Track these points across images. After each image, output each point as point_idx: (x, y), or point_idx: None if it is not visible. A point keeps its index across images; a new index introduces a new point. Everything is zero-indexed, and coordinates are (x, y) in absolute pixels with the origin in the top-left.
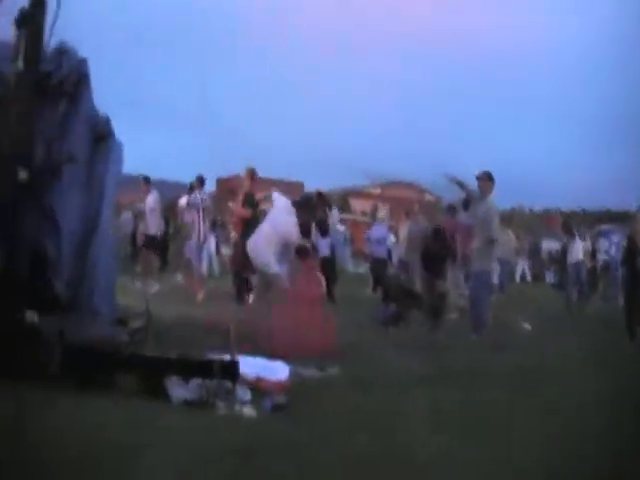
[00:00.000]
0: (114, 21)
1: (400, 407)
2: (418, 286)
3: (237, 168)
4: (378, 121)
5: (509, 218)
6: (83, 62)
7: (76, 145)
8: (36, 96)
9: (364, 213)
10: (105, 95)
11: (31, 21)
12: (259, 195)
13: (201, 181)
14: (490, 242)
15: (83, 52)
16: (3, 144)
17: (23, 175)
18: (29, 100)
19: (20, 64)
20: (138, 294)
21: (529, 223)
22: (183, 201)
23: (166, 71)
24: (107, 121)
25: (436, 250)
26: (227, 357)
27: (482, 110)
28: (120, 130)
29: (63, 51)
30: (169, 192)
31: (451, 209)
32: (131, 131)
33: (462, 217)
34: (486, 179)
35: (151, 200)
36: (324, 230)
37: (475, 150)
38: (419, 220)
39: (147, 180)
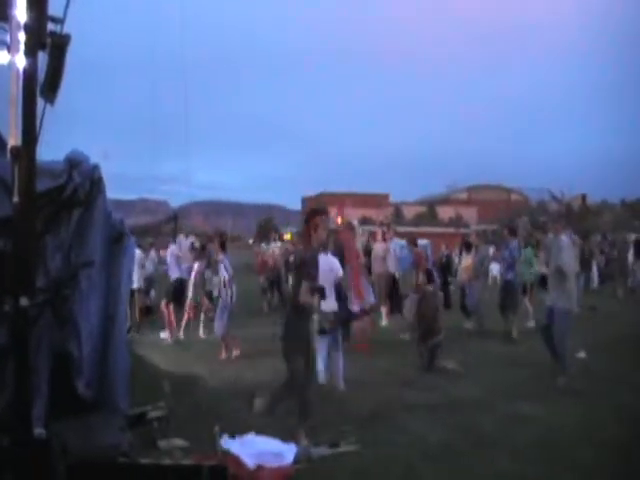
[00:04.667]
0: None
1: None
2: None
3: (322, 186)
4: (461, 126)
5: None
6: (95, 168)
7: (92, 250)
8: (47, 213)
9: (451, 220)
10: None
11: (24, 156)
12: None
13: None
14: (560, 272)
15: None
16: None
17: (24, 302)
18: (29, 230)
19: (15, 198)
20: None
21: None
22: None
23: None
24: (121, 222)
25: None
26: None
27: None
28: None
29: (74, 164)
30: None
31: None
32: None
33: None
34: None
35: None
36: None
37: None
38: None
39: None
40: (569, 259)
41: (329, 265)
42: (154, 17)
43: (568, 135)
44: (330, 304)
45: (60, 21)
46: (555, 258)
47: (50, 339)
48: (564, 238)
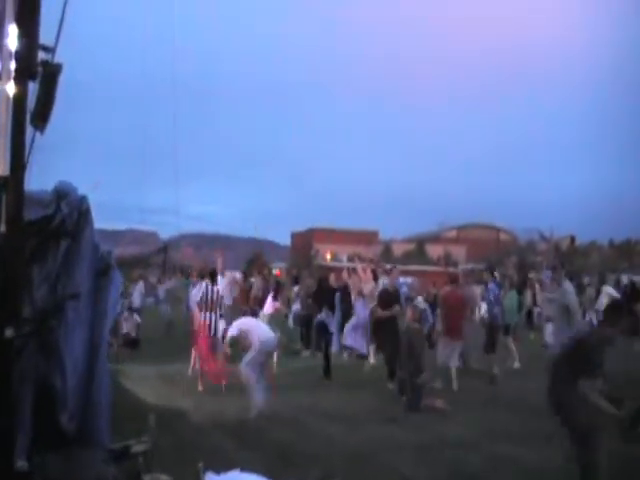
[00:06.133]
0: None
1: None
2: None
3: (311, 221)
4: (452, 165)
5: None
6: (84, 199)
7: (79, 282)
8: (35, 243)
9: (440, 258)
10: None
11: (11, 185)
12: None
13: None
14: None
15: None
16: None
17: (9, 333)
18: (16, 260)
19: (2, 227)
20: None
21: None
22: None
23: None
24: (109, 254)
25: None
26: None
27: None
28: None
29: (62, 194)
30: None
31: None
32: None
33: None
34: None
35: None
36: None
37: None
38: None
39: None
40: (573, 301)
41: None
42: (145, 47)
43: (558, 176)
44: None
45: (51, 50)
46: (561, 301)
47: (34, 371)
48: (567, 284)
